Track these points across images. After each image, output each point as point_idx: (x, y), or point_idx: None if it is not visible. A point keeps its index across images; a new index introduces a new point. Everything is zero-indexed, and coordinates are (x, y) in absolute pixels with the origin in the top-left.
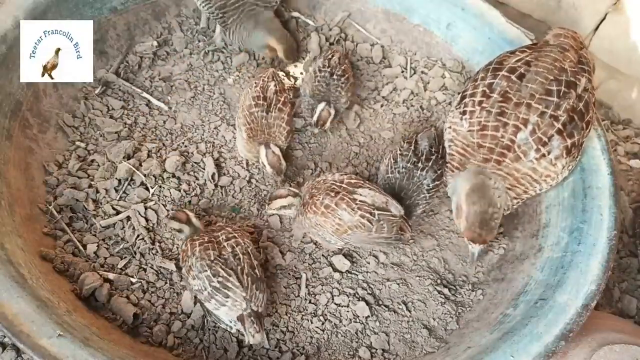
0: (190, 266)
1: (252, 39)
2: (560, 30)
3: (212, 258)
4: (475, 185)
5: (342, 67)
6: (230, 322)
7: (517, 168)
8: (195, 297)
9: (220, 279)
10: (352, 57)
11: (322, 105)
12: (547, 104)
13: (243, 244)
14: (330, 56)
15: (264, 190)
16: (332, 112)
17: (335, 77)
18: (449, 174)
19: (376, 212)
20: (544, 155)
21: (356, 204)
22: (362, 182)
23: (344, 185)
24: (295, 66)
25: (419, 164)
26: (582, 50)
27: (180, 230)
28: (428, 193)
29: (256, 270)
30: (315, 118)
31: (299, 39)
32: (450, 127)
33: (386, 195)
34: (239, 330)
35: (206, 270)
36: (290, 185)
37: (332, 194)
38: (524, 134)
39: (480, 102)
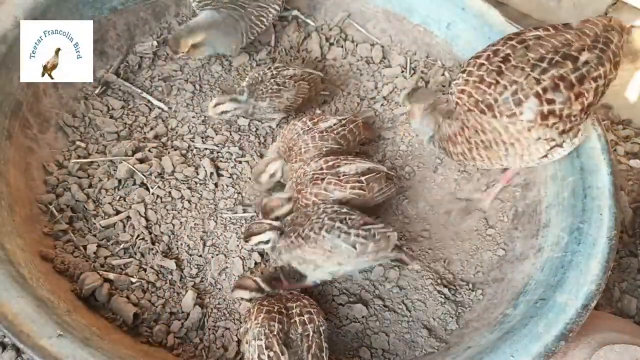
0: (247, 329)
1: None
2: (593, 18)
3: (273, 330)
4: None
5: (286, 82)
6: None
7: (489, 121)
8: (197, 296)
9: (271, 353)
10: (352, 57)
11: (228, 97)
12: (534, 68)
13: (317, 322)
14: (291, 68)
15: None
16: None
17: (269, 81)
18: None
19: (363, 178)
20: (515, 114)
21: (343, 179)
22: (339, 160)
23: (325, 170)
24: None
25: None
26: (612, 35)
27: (250, 300)
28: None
29: (323, 354)
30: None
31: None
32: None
33: (366, 160)
34: None
35: (261, 339)
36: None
37: (319, 182)
38: (507, 94)
39: (482, 65)
